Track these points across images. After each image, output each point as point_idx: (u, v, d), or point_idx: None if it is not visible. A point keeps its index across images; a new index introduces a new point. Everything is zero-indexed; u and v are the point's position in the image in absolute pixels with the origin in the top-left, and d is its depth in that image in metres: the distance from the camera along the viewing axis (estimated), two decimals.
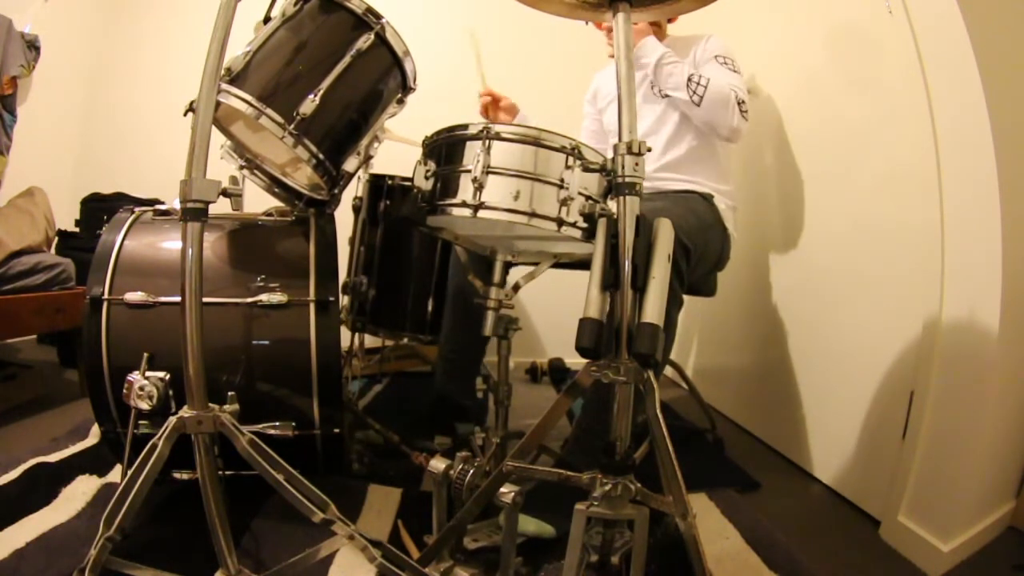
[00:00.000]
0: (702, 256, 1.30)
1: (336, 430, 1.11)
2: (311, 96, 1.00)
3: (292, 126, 0.99)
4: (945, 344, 1.12)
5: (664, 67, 1.41)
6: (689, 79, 1.38)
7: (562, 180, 0.90)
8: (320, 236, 1.17)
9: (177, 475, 1.04)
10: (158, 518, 1.07)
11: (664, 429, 0.76)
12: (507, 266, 1.12)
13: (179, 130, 1.03)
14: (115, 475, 1.22)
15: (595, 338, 0.77)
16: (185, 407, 0.83)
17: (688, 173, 1.47)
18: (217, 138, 0.94)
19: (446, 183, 0.96)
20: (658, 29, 1.54)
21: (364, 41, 1.07)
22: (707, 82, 1.37)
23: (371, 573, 0.91)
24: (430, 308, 1.72)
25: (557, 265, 1.14)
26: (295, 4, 1.06)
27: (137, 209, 1.20)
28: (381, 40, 1.11)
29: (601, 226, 0.83)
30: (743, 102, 1.39)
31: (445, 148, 0.98)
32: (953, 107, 1.11)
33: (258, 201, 1.28)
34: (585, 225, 0.91)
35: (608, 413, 0.83)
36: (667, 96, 1.44)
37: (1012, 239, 1.03)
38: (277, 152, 1.17)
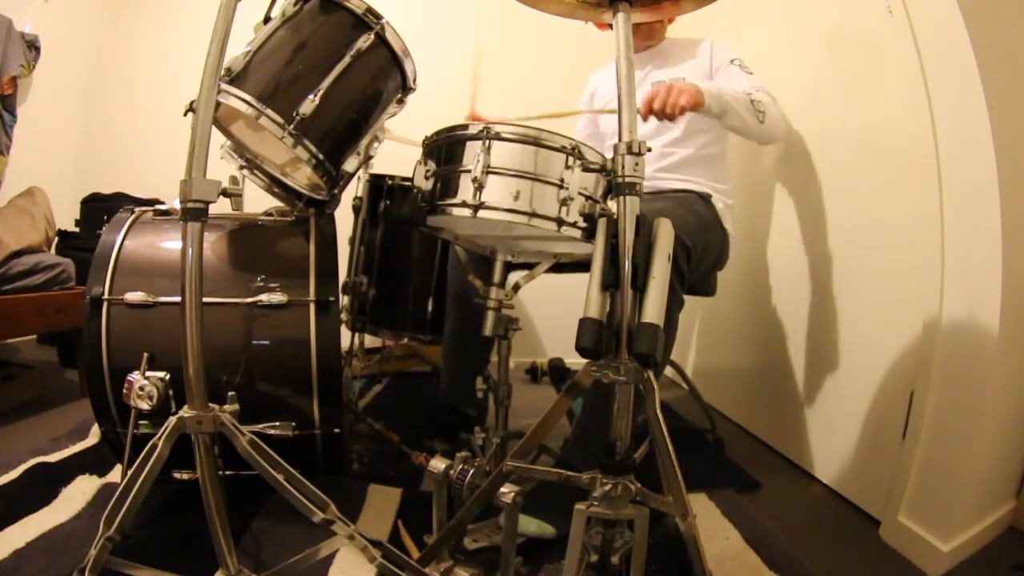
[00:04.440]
0: (702, 255, 1.30)
1: (336, 430, 1.11)
2: (311, 96, 1.00)
3: (292, 126, 0.99)
4: (945, 344, 1.12)
5: (727, 98, 1.30)
6: (751, 101, 1.34)
7: (562, 180, 0.90)
8: (320, 236, 1.17)
9: (177, 475, 1.04)
10: (158, 518, 1.07)
11: (664, 429, 0.76)
12: (507, 266, 1.12)
13: (179, 130, 1.03)
14: (115, 475, 1.22)
15: (595, 338, 0.77)
16: (185, 407, 0.83)
17: (687, 173, 1.46)
18: (217, 138, 0.94)
19: (446, 183, 0.96)
20: (650, 30, 1.54)
21: (364, 41, 1.07)
22: (764, 105, 1.36)
23: (371, 573, 0.91)
24: (430, 308, 1.72)
25: (557, 267, 1.14)
26: (295, 4, 1.06)
27: (137, 209, 1.20)
28: (381, 40, 1.11)
29: (601, 226, 0.83)
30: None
31: (445, 148, 0.98)
32: (953, 108, 1.11)
33: (258, 201, 1.28)
34: (585, 225, 0.91)
35: (608, 413, 0.83)
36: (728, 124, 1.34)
37: (1012, 239, 1.03)
38: (277, 152, 1.17)
